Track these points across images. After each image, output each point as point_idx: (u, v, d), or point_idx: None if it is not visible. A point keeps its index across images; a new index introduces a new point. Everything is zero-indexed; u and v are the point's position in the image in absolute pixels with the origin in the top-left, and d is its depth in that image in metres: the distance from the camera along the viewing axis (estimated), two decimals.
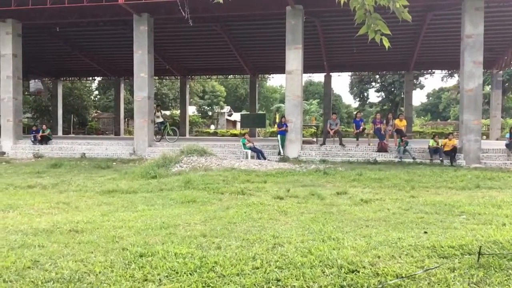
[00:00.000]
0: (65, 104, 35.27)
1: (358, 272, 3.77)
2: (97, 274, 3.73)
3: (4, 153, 18.17)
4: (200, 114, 49.43)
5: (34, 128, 21.02)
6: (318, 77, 57.21)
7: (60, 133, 32.19)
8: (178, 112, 37.85)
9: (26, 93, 31.96)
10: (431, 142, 15.23)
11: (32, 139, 19.06)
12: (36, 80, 32.73)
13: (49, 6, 16.18)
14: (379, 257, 4.17)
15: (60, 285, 3.48)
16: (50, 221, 5.77)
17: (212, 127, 46.06)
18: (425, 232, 5.16)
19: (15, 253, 4.31)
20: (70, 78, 35.64)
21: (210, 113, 52.18)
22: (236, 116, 53.78)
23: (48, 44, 25.60)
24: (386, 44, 3.22)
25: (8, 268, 3.86)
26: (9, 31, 18.24)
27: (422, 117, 63.59)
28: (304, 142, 17.56)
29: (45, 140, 19.05)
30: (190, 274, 3.72)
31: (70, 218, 6.02)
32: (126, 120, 37.98)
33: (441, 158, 14.62)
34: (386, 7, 3.16)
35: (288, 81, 16.55)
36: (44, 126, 20.09)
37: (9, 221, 5.82)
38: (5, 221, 5.78)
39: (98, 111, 47.02)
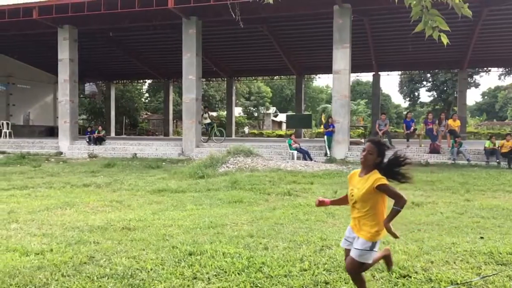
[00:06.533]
0: (118, 106, 36.57)
1: (410, 277, 3.68)
2: (148, 271, 3.85)
3: (61, 153, 19.09)
4: (246, 115, 49.76)
5: (89, 129, 21.97)
6: (366, 77, 55.83)
7: (112, 134, 33.44)
8: (224, 113, 38.30)
9: (82, 95, 33.48)
10: (487, 143, 14.53)
11: (87, 140, 19.92)
12: (91, 83, 34.26)
13: (103, 12, 16.86)
14: (432, 262, 4.04)
15: (114, 281, 3.61)
16: (104, 219, 6.01)
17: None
18: (482, 238, 4.95)
19: (72, 248, 4.53)
20: (122, 81, 36.96)
21: (256, 114, 52.40)
22: (282, 117, 53.66)
23: (101, 49, 26.70)
24: (445, 41, 3.10)
25: (66, 263, 4.06)
26: (66, 37, 19.15)
27: (477, 117, 60.81)
28: (351, 143, 17.26)
29: (99, 140, 19.87)
30: (238, 273, 3.76)
31: (122, 216, 6.24)
32: (174, 121, 38.86)
33: (498, 160, 13.93)
34: (444, 3, 3.03)
35: (335, 81, 16.32)
36: (100, 128, 20.98)
37: (66, 218, 6.12)
38: (62, 218, 6.08)
39: (148, 113, 48.50)
